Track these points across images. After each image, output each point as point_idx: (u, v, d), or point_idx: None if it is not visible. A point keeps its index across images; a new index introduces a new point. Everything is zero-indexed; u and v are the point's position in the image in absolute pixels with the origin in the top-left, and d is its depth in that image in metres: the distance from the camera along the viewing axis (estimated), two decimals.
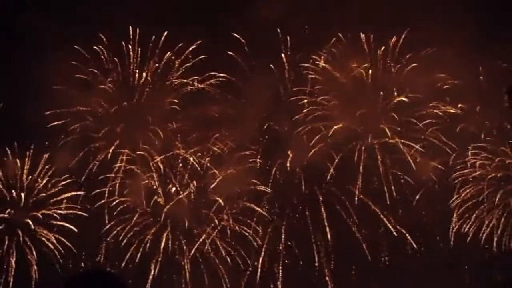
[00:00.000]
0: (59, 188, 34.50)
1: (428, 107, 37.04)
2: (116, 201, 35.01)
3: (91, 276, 5.45)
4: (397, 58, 37.76)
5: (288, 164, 36.13)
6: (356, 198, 35.89)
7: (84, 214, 34.36)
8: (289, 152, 36.36)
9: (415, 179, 36.36)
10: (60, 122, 35.24)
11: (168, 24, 36.21)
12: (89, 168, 35.19)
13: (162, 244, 34.79)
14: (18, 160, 34.49)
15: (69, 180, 34.79)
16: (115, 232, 34.72)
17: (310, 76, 37.58)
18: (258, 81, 35.95)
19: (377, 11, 35.13)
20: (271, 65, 37.18)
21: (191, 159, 35.52)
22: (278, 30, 37.21)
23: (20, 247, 33.40)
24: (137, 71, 36.64)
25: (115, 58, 36.61)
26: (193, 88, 36.65)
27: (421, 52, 36.52)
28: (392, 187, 36.55)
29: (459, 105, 36.97)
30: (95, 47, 36.25)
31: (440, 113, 36.93)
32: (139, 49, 36.83)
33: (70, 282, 5.34)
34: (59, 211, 33.97)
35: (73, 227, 33.63)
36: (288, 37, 37.53)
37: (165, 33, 36.29)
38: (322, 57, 37.66)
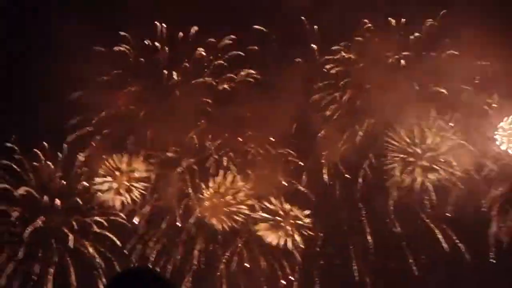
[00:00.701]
0: (92, 193, 34.30)
1: (464, 96, 35.91)
2: (148, 204, 34.75)
3: (141, 273, 5.24)
4: (431, 44, 36.50)
5: (322, 161, 35.39)
6: (391, 198, 35.13)
7: (119, 219, 34.13)
8: (321, 149, 35.59)
9: (454, 173, 35.40)
10: (90, 127, 34.90)
11: (192, 19, 35.28)
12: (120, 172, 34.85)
13: (197, 248, 34.49)
14: (51, 164, 34.26)
15: (100, 186, 34.47)
16: (147, 236, 34.53)
17: (338, 68, 36.58)
18: (287, 76, 35.03)
19: None
20: (299, 59, 36.19)
21: (224, 159, 34.97)
22: (304, 19, 36.12)
23: (56, 258, 33.26)
24: (165, 71, 35.97)
25: (141, 59, 36.00)
26: (225, 86, 35.90)
27: (456, 37, 35.14)
28: (427, 181, 35.65)
29: (495, 94, 35.80)
30: (119, 47, 35.56)
31: (477, 102, 35.82)
32: (167, 47, 36.12)
33: (117, 279, 5.08)
34: (94, 218, 33.78)
35: (110, 235, 33.38)
36: (315, 27, 36.44)
37: (195, 28, 35.38)
38: (351, 48, 36.59)
